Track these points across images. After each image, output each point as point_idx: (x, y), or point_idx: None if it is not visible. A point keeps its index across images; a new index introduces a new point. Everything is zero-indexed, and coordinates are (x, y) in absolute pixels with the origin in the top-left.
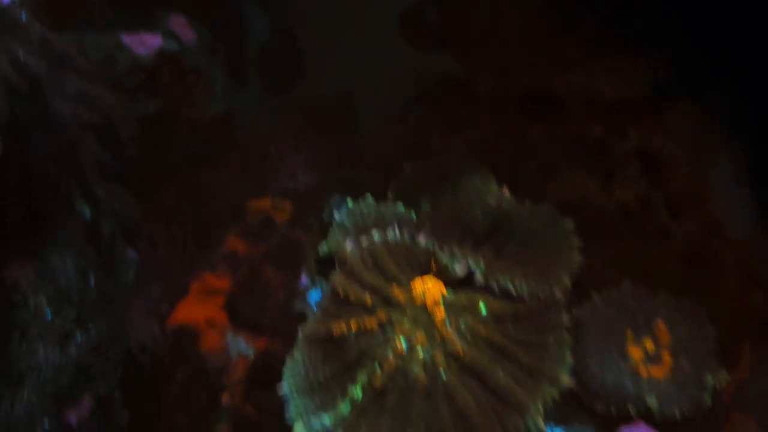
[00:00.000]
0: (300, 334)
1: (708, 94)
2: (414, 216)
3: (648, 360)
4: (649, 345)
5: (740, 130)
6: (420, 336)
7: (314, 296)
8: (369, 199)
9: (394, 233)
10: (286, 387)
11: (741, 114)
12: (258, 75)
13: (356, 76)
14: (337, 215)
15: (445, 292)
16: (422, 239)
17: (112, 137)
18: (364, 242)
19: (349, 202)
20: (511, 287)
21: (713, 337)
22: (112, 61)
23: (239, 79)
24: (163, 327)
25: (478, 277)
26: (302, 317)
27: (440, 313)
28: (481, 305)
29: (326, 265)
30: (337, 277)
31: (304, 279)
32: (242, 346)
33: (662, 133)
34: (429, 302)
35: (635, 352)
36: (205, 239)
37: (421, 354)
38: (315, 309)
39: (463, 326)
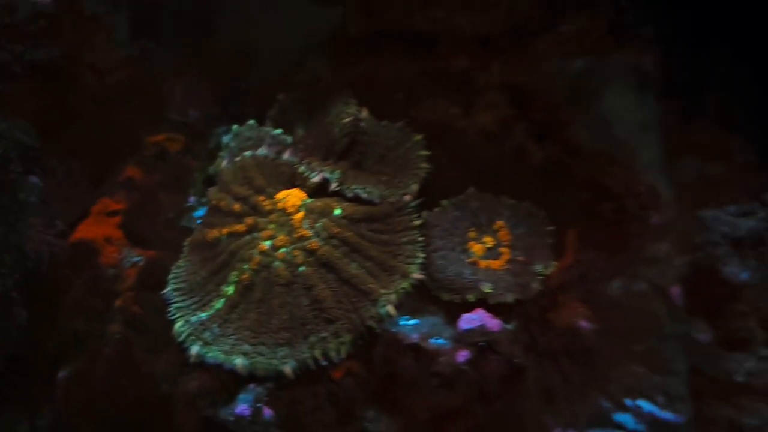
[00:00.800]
0: (185, 245)
1: (565, 28)
2: (289, 138)
3: (488, 254)
4: (489, 241)
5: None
6: (282, 237)
7: (200, 213)
8: (252, 122)
9: (263, 151)
10: (169, 289)
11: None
12: (162, 26)
13: (257, 30)
14: (224, 138)
15: (305, 197)
16: (287, 155)
17: None
18: (238, 159)
19: (234, 128)
20: (362, 193)
21: (549, 234)
22: (13, 8)
23: (142, 29)
24: (62, 242)
25: (333, 185)
26: (189, 231)
27: (299, 216)
28: (337, 209)
29: (212, 185)
30: (213, 191)
31: (192, 199)
32: (135, 258)
33: (525, 65)
34: (289, 207)
35: (476, 248)
36: (105, 170)
37: (282, 252)
38: (199, 223)
39: (319, 226)
